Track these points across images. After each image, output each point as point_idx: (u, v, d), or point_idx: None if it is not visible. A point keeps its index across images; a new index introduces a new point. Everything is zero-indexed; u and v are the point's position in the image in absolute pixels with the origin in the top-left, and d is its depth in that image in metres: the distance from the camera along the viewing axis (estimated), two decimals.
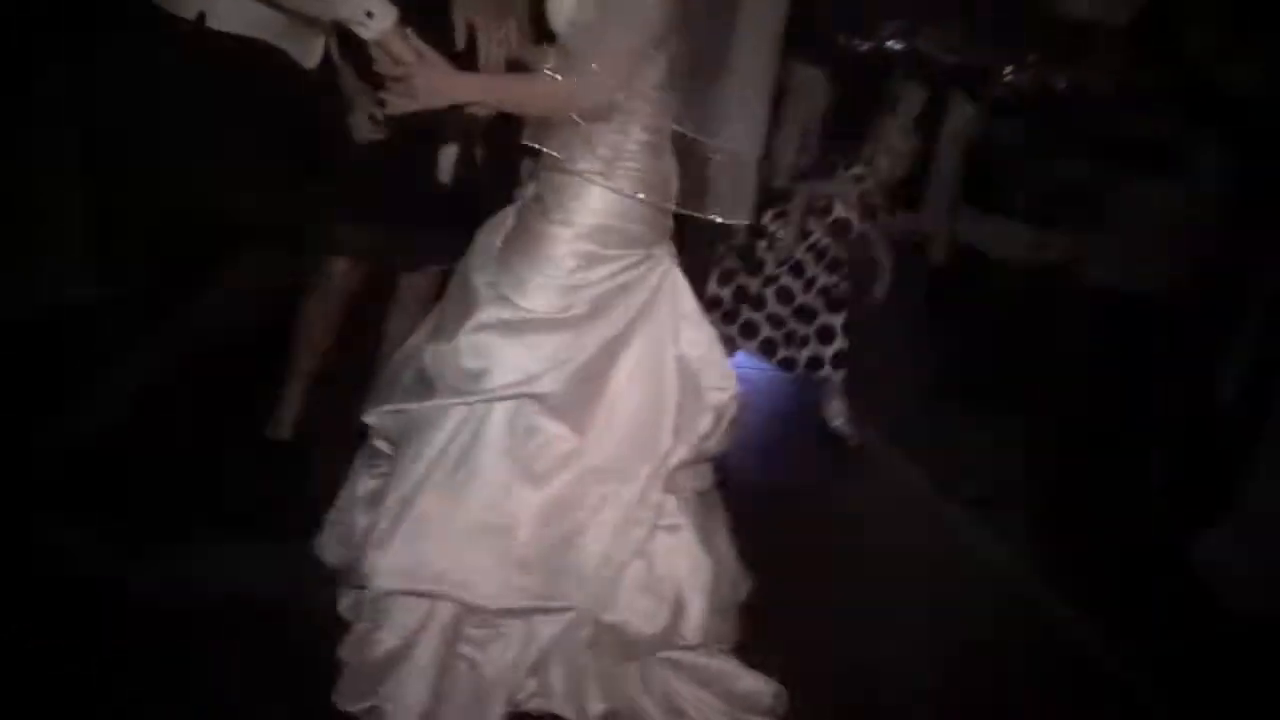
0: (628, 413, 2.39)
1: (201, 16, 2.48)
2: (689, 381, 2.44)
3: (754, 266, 4.35)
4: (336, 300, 3.32)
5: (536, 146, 2.34)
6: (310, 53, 2.68)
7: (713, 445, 2.49)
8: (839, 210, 4.19)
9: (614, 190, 2.32)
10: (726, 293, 4.36)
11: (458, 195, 3.22)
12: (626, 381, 2.39)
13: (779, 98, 6.66)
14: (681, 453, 2.41)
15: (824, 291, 4.29)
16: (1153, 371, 5.78)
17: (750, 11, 2.30)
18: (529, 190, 2.50)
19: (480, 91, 2.31)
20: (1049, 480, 4.39)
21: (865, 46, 7.26)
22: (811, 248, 4.25)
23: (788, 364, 4.32)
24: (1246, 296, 5.06)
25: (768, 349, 4.31)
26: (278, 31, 2.56)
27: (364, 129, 3.00)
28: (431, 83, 2.18)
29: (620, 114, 2.28)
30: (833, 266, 4.29)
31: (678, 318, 2.46)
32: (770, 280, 4.30)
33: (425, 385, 2.43)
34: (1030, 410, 4.99)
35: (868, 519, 3.82)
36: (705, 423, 2.44)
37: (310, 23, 2.57)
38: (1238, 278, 5.43)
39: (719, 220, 2.42)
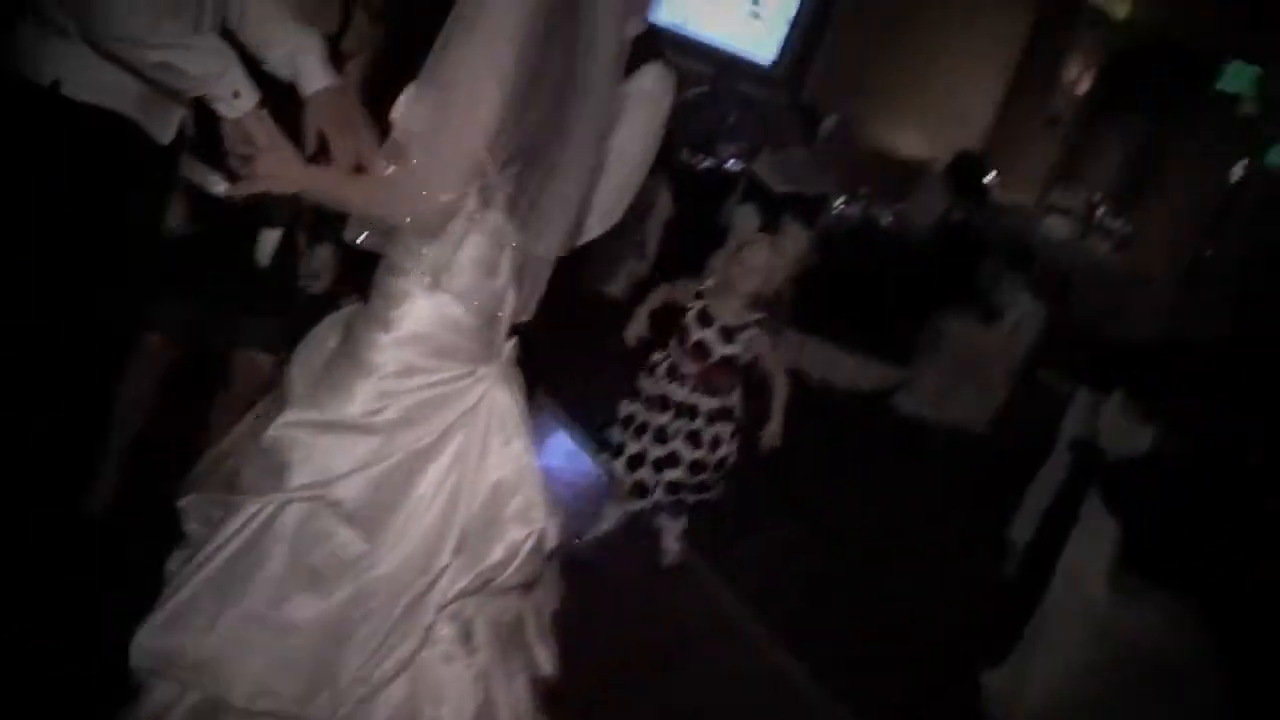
0: (420, 528, 2.31)
1: (56, 84, 2.41)
2: (490, 507, 2.37)
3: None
4: (151, 376, 3.24)
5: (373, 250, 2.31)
6: (166, 128, 2.63)
7: (511, 579, 2.38)
8: (684, 318, 4.01)
9: (437, 302, 2.29)
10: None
11: (278, 280, 3.20)
12: (427, 496, 2.32)
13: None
14: (463, 581, 2.31)
15: (683, 412, 4.01)
16: (953, 503, 6.01)
17: (583, 115, 2.25)
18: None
19: (322, 185, 2.29)
20: (852, 605, 4.48)
21: (705, 164, 7.47)
22: (665, 359, 4.06)
23: (640, 489, 4.06)
24: (1049, 438, 5.29)
25: (631, 465, 4.03)
26: (134, 104, 2.51)
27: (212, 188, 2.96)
28: (277, 168, 2.18)
29: (452, 226, 2.24)
30: (679, 379, 3.99)
31: (493, 439, 2.39)
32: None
33: (237, 476, 2.37)
34: (839, 534, 5.11)
35: (680, 638, 3.83)
36: (497, 554, 2.33)
37: (169, 97, 2.53)
38: (1042, 419, 5.68)
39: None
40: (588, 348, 5.05)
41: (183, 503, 2.43)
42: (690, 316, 4.00)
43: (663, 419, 4.04)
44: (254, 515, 2.25)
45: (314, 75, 2.48)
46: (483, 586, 2.35)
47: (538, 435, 2.52)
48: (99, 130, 2.48)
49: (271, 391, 2.52)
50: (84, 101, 2.44)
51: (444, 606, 2.31)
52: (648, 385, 4.09)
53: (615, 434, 4.12)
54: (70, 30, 2.33)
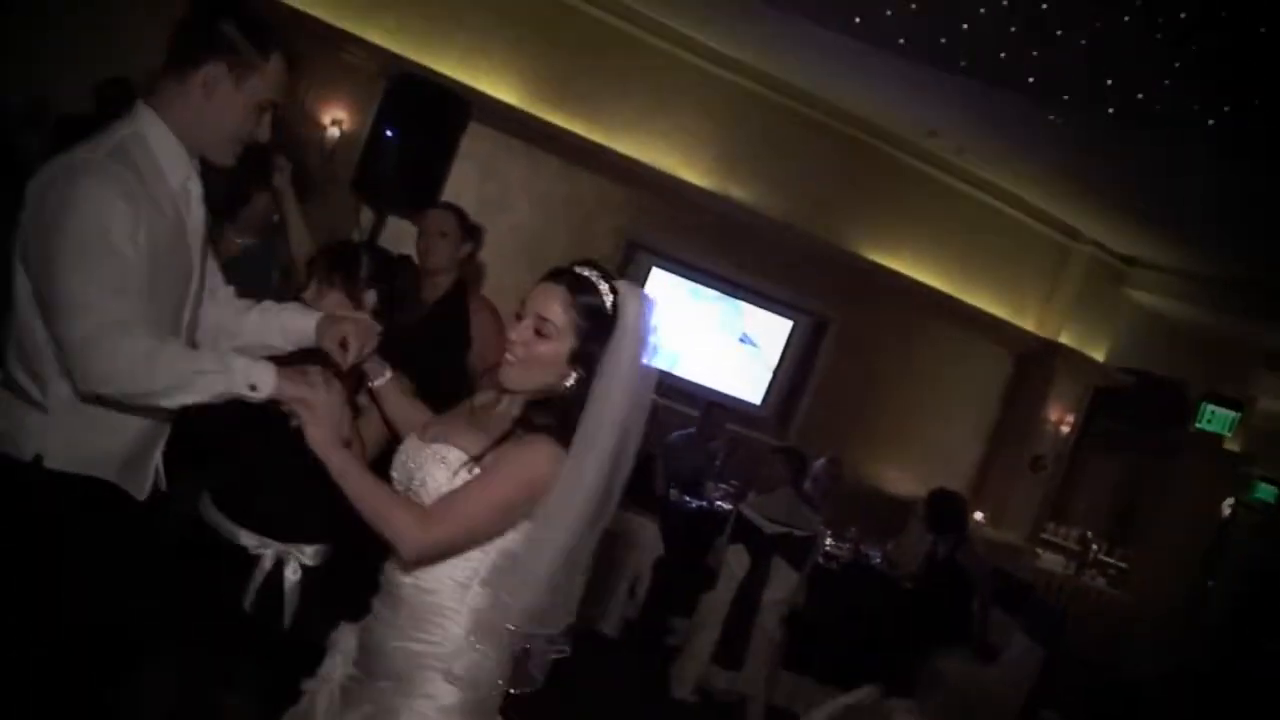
0: None
1: (39, 458, 2.50)
2: None
3: None
4: None
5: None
6: (142, 485, 2.73)
7: None
8: None
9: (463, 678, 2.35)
10: None
11: (261, 627, 3.19)
12: None
13: (609, 544, 6.90)
14: None
15: None
16: None
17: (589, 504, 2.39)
18: (335, 663, 2.51)
19: (346, 473, 2.28)
20: None
21: (695, 504, 7.55)
22: None
23: None
24: None
25: None
26: (115, 469, 2.62)
27: None
28: (320, 429, 2.28)
29: (454, 605, 2.36)
30: None
31: None
32: None
33: None
34: None
35: None
36: None
37: (144, 453, 2.67)
38: None
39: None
40: (579, 684, 4.95)
41: None
42: None
43: None
44: None
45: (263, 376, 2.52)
46: None
47: None
48: (81, 497, 2.56)
49: None
50: (65, 471, 2.53)
51: None
52: None
53: None
54: (47, 404, 2.47)
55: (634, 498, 6.95)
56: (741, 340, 10.25)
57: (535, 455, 2.32)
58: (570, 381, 2.39)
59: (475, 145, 8.17)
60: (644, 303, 2.44)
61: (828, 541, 7.25)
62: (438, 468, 2.35)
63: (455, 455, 2.35)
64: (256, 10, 2.66)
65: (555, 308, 2.39)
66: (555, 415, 2.37)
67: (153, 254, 2.47)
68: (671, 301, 9.75)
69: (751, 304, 10.16)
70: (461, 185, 8.27)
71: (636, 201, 9.36)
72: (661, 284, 9.66)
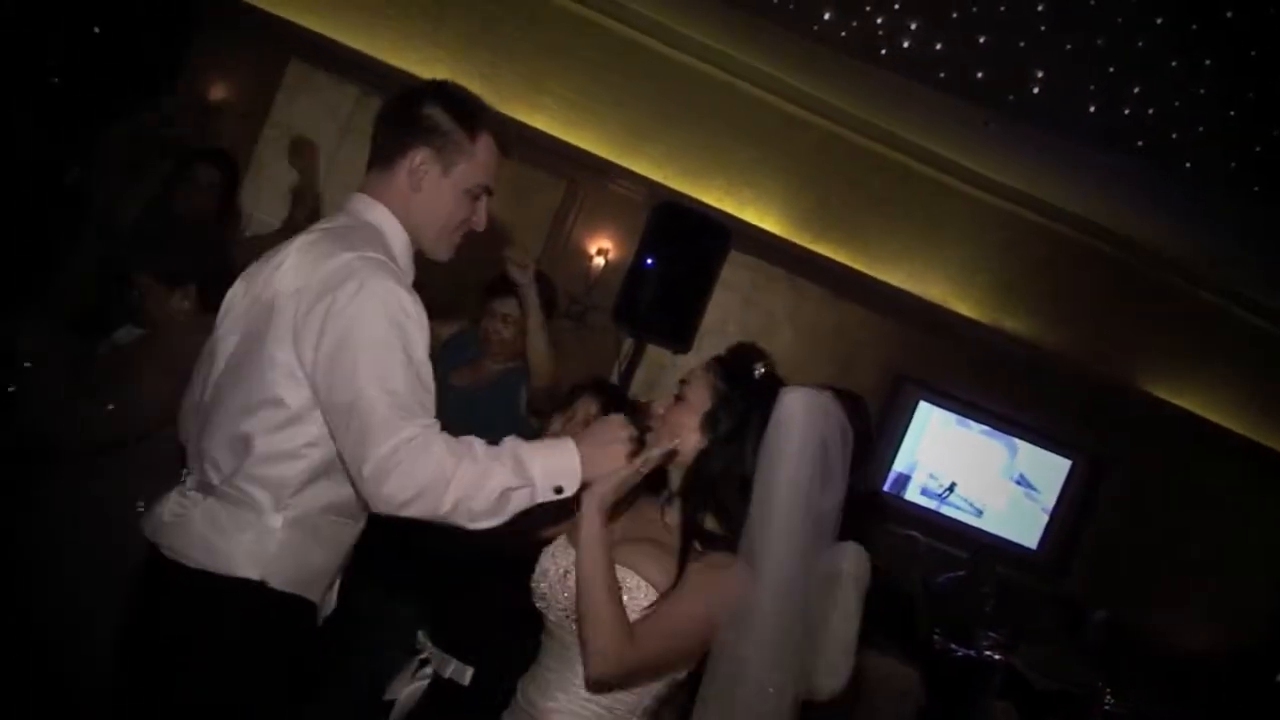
0: None
1: (263, 583, 2.38)
2: None
3: None
4: None
5: None
6: (327, 606, 2.62)
7: None
8: None
9: None
10: None
11: None
12: None
13: (868, 690, 6.55)
14: None
15: None
16: None
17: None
18: None
19: (598, 543, 2.19)
20: None
21: (962, 653, 7.14)
22: None
23: None
24: None
25: None
26: (320, 590, 2.53)
27: None
28: (605, 484, 2.21)
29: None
30: None
31: None
32: None
33: None
34: None
35: None
36: None
37: (337, 573, 2.59)
38: None
39: None
40: None
41: None
42: None
43: None
44: None
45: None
46: None
47: None
48: (292, 614, 2.48)
49: None
50: (285, 592, 2.43)
51: None
52: None
53: None
54: (280, 516, 2.36)
55: (895, 641, 6.62)
56: (1017, 481, 9.73)
57: (729, 576, 2.21)
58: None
59: (738, 274, 8.18)
60: (816, 399, 2.29)
61: (1107, 701, 6.71)
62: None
63: (639, 586, 2.23)
64: (464, 93, 2.59)
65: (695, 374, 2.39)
66: (722, 524, 2.29)
67: None
68: (941, 437, 9.41)
69: (1027, 442, 9.63)
70: (724, 314, 8.26)
71: (904, 333, 9.12)
72: (930, 419, 9.33)
